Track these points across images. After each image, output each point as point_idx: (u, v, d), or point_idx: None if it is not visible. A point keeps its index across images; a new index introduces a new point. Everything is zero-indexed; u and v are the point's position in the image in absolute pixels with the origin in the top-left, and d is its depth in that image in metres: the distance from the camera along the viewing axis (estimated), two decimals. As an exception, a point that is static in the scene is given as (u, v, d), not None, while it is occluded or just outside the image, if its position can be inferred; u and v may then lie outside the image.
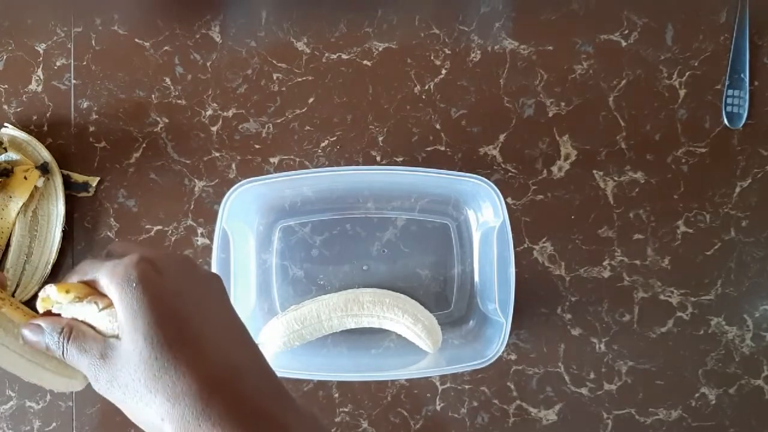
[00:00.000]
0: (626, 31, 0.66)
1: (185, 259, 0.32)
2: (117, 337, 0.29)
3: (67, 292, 0.31)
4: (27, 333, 0.32)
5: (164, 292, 0.29)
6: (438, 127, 0.66)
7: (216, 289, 0.32)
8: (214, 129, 0.66)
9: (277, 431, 0.28)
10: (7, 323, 0.33)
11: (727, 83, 0.66)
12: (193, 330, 0.29)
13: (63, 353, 0.30)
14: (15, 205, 0.62)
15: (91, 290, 0.32)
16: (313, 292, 0.65)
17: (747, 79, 0.66)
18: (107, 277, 0.30)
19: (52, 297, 0.31)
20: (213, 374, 0.28)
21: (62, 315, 0.32)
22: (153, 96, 0.67)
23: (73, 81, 0.67)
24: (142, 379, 0.28)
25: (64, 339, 0.30)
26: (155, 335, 0.28)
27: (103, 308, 0.31)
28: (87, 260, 0.32)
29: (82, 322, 0.31)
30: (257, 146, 0.66)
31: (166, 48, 0.67)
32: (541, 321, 0.66)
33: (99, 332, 0.30)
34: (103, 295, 0.31)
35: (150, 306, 0.28)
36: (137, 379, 0.28)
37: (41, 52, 0.67)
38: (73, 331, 0.31)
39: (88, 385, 0.32)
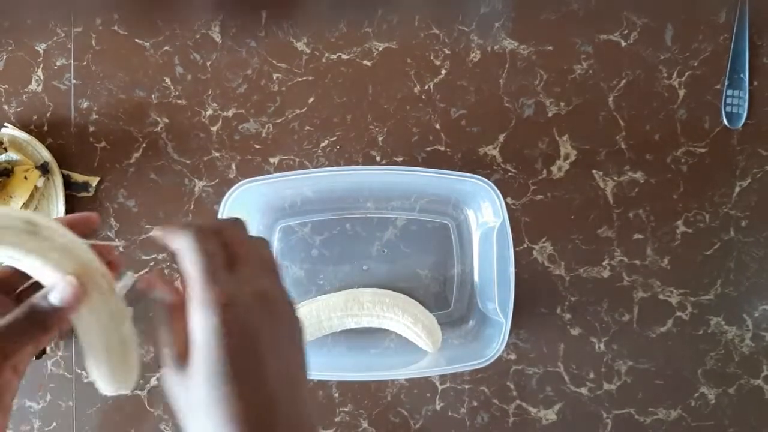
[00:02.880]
0: (626, 31, 0.66)
1: (288, 303, 0.32)
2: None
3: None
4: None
5: (249, 332, 0.29)
6: (438, 127, 0.66)
7: (292, 330, 0.32)
8: (214, 129, 0.67)
9: None
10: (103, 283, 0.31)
11: (726, 83, 0.66)
12: (256, 360, 0.29)
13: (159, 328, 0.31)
14: (15, 204, 0.62)
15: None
16: (313, 292, 0.65)
17: (746, 79, 0.66)
18: (203, 300, 0.29)
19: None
20: (272, 411, 0.29)
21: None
22: (153, 96, 0.67)
23: (73, 81, 0.67)
24: (204, 398, 0.28)
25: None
26: (225, 366, 0.28)
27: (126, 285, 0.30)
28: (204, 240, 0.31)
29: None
30: (257, 146, 0.66)
31: (166, 48, 0.67)
32: (540, 321, 0.66)
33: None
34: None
35: (227, 339, 0.28)
36: (202, 395, 0.29)
37: (41, 52, 0.67)
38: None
39: (89, 385, 0.32)
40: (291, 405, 0.30)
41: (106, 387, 0.32)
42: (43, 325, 0.30)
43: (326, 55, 0.67)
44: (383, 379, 0.65)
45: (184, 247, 0.30)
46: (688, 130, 0.66)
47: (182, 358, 0.29)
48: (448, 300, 0.66)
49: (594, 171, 0.66)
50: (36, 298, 0.30)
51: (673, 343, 0.65)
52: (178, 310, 0.31)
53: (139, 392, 0.65)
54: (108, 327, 0.31)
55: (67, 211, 0.65)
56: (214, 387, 0.28)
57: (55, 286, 0.30)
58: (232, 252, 0.31)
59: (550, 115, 0.66)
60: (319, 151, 0.66)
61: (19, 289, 0.35)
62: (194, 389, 0.29)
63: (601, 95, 0.66)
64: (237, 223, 0.33)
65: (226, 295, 0.29)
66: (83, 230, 0.32)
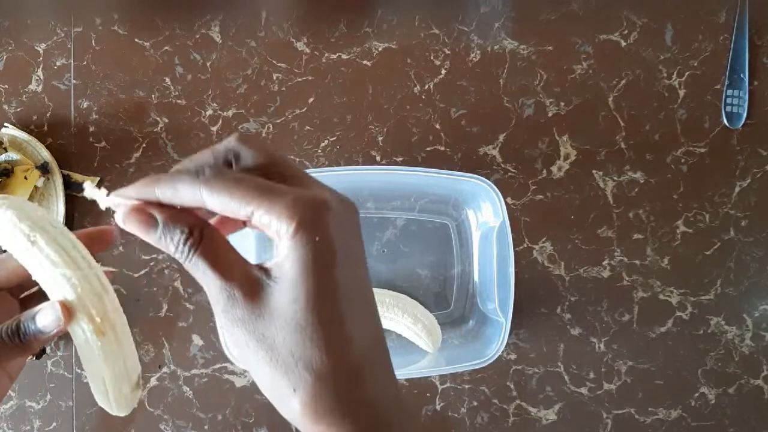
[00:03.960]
0: (626, 31, 0.66)
1: (357, 218, 0.27)
2: (268, 274, 0.25)
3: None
4: (133, 221, 0.26)
5: (338, 262, 0.25)
6: (438, 127, 0.66)
7: (364, 256, 0.28)
8: (214, 129, 0.67)
9: None
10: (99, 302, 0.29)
11: (726, 83, 0.66)
12: (350, 310, 0.26)
13: (187, 260, 0.25)
14: (15, 205, 0.62)
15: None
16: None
17: (746, 79, 0.66)
18: (283, 213, 0.24)
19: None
20: (355, 362, 0.25)
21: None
22: (153, 96, 0.67)
23: (73, 81, 0.67)
24: (288, 340, 0.25)
25: (191, 245, 0.25)
26: (318, 303, 0.24)
27: None
28: (217, 175, 0.25)
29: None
30: (257, 146, 0.66)
31: (166, 48, 0.67)
32: (540, 321, 0.66)
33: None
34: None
35: (323, 270, 0.24)
36: (281, 337, 0.25)
37: (41, 52, 0.67)
38: (206, 236, 0.25)
39: (89, 385, 0.32)
40: (378, 350, 0.27)
41: (107, 405, 0.31)
42: (28, 345, 0.30)
43: (326, 55, 0.67)
44: (383, 379, 0.65)
45: (246, 188, 0.25)
46: (688, 129, 0.66)
47: (253, 291, 0.25)
48: (448, 300, 0.66)
49: (594, 171, 0.66)
50: (23, 316, 0.30)
51: (673, 343, 0.65)
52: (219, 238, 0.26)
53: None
54: (107, 350, 0.30)
55: (67, 211, 0.65)
56: (307, 324, 0.24)
57: (42, 309, 0.29)
58: (269, 167, 0.27)
59: (550, 115, 0.66)
60: (319, 151, 0.66)
61: (23, 295, 0.35)
62: (279, 324, 0.25)
63: (601, 95, 0.66)
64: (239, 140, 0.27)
65: (324, 217, 0.24)
66: (100, 247, 0.32)
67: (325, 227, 0.24)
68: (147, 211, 0.26)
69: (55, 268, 0.28)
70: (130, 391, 0.31)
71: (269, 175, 0.26)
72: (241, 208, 0.24)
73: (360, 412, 0.26)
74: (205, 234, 0.26)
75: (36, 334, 0.29)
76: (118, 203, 0.27)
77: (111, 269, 0.32)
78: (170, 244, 0.26)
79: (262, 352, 0.25)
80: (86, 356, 0.30)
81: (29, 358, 0.63)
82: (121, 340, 0.30)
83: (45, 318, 0.29)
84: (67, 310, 0.29)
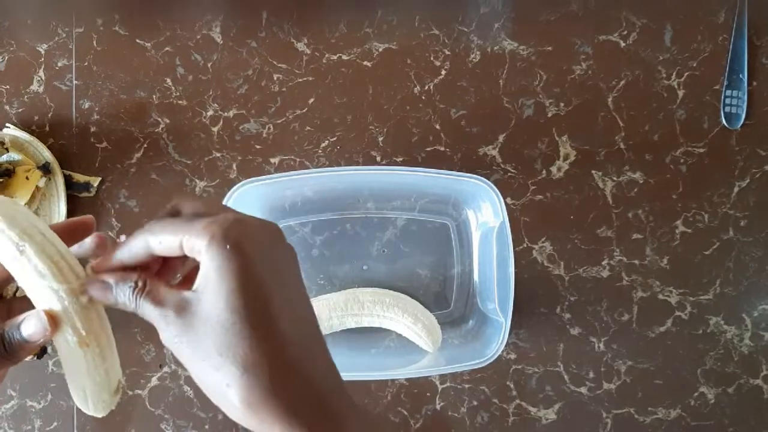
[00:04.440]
0: (625, 32, 0.67)
1: (276, 230, 0.31)
2: (194, 291, 0.28)
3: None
4: (94, 290, 0.30)
5: (253, 261, 0.28)
6: (438, 127, 0.66)
7: (294, 263, 0.31)
8: (214, 129, 0.67)
9: (338, 429, 0.28)
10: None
11: (725, 84, 0.66)
12: (274, 305, 0.28)
13: (136, 306, 0.29)
14: (16, 205, 0.63)
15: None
16: (313, 292, 0.65)
17: (745, 80, 0.66)
18: (199, 234, 0.28)
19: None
20: (286, 354, 0.28)
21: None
22: (154, 96, 0.67)
23: (75, 81, 0.67)
24: (216, 341, 0.27)
25: (137, 292, 0.29)
26: (238, 301, 0.27)
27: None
28: (158, 221, 0.30)
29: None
30: (258, 146, 0.67)
31: (167, 48, 0.67)
32: (540, 320, 0.66)
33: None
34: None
35: (239, 272, 0.27)
36: (210, 340, 0.27)
37: (43, 52, 0.67)
38: (147, 284, 0.30)
39: None
40: (314, 343, 0.30)
41: (85, 408, 0.31)
42: (12, 354, 0.29)
43: (326, 55, 0.67)
44: (383, 379, 0.65)
45: (168, 228, 0.29)
46: (687, 130, 0.66)
47: (182, 308, 0.28)
48: (448, 300, 0.66)
49: (593, 171, 0.66)
50: (8, 325, 0.29)
51: (672, 342, 0.66)
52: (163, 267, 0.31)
53: (139, 392, 0.65)
54: (89, 361, 0.30)
55: (69, 212, 0.65)
56: (230, 322, 0.27)
57: (27, 318, 0.29)
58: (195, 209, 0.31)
59: (549, 115, 0.66)
60: (320, 151, 0.67)
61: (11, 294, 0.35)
62: (207, 329, 0.27)
63: (601, 95, 0.66)
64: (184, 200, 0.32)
65: (231, 230, 0.28)
66: (82, 235, 0.32)
67: (238, 236, 0.28)
68: (101, 279, 0.30)
69: (43, 280, 0.28)
70: (110, 397, 0.31)
71: (203, 216, 0.30)
72: (175, 240, 0.29)
73: (301, 403, 0.27)
74: (147, 282, 0.30)
75: (21, 343, 0.29)
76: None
77: None
78: (123, 297, 0.30)
79: (198, 360, 0.28)
80: (68, 364, 0.30)
81: (32, 358, 0.63)
82: (105, 351, 0.30)
83: (30, 327, 0.29)
84: (53, 320, 0.29)
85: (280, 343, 0.28)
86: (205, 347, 0.27)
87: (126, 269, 0.31)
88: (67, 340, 0.29)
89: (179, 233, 0.29)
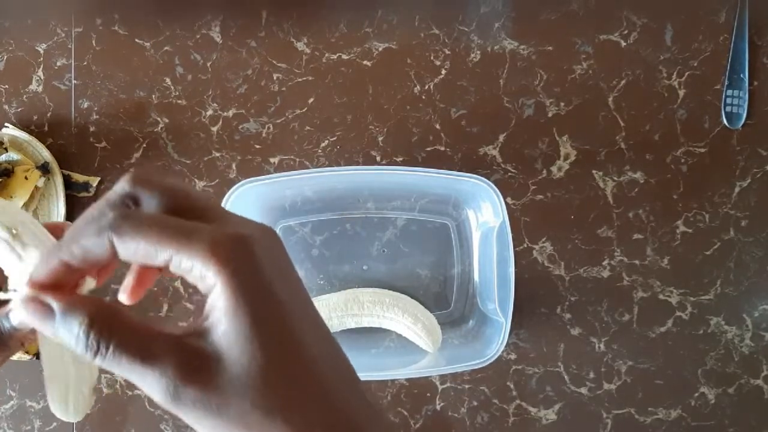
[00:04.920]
0: (626, 32, 0.67)
1: (275, 237, 0.25)
2: (204, 334, 0.21)
3: None
4: (28, 308, 0.23)
5: (275, 288, 0.22)
6: (438, 127, 0.66)
7: (300, 280, 0.25)
8: (214, 129, 0.67)
9: None
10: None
11: (726, 83, 0.66)
12: (302, 353, 0.22)
13: (100, 356, 0.21)
14: (16, 205, 0.63)
15: None
16: (313, 292, 0.65)
17: (746, 79, 0.66)
18: (202, 257, 0.21)
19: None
20: (329, 397, 0.23)
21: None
22: (153, 96, 0.67)
23: (74, 81, 0.67)
24: (248, 410, 0.21)
25: (95, 332, 0.21)
26: (269, 357, 0.21)
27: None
28: (122, 217, 0.22)
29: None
30: (257, 146, 0.66)
31: (166, 48, 0.67)
32: (540, 321, 0.66)
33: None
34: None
35: (266, 314, 0.21)
36: (248, 403, 0.21)
37: (42, 52, 0.67)
38: (116, 322, 0.22)
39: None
40: (346, 391, 0.24)
41: (55, 411, 0.31)
42: (5, 343, 0.27)
43: (326, 55, 0.67)
44: (383, 378, 0.65)
45: (157, 232, 0.22)
46: (688, 130, 0.66)
47: (196, 373, 0.21)
48: (448, 300, 0.66)
49: (594, 171, 0.66)
50: None
51: (673, 343, 0.66)
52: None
53: (139, 392, 0.65)
54: (59, 357, 0.28)
55: (68, 212, 0.65)
56: (264, 386, 0.21)
57: (15, 307, 0.26)
58: (175, 204, 0.24)
59: (550, 115, 0.66)
60: (320, 151, 0.66)
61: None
62: (238, 395, 0.21)
63: (601, 95, 0.66)
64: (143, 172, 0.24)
65: (253, 255, 0.21)
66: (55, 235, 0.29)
67: (254, 260, 0.22)
68: (41, 299, 0.23)
69: (24, 264, 0.27)
70: (89, 393, 0.31)
71: (180, 213, 0.23)
72: (159, 254, 0.21)
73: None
74: (115, 319, 0.22)
75: (11, 332, 0.26)
76: (10, 297, 0.24)
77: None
78: (70, 336, 0.22)
79: (235, 427, 0.21)
80: (52, 354, 0.28)
81: (31, 357, 0.63)
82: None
83: (18, 315, 0.26)
84: None
85: (320, 386, 0.22)
86: (239, 409, 0.21)
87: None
88: None
89: (171, 247, 0.21)
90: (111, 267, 0.26)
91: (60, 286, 0.24)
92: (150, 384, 0.21)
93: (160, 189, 0.23)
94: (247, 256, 0.22)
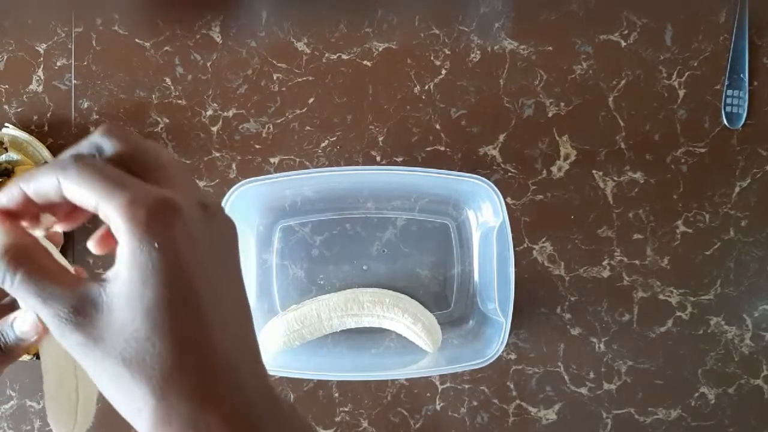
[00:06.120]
0: (626, 32, 0.67)
1: (224, 227, 0.25)
2: (104, 287, 0.23)
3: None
4: (24, 322, 0.26)
5: (187, 263, 0.22)
6: (438, 127, 0.66)
7: (234, 250, 0.26)
8: (214, 129, 0.67)
9: None
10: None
11: (726, 83, 0.66)
12: (203, 316, 0.23)
13: (2, 282, 0.23)
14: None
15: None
16: (313, 292, 0.65)
17: (746, 79, 0.66)
18: (119, 211, 0.22)
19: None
20: (212, 379, 0.23)
21: None
22: (153, 96, 0.67)
23: (74, 81, 0.67)
24: (128, 359, 0.22)
25: (8, 259, 0.23)
26: (160, 317, 0.22)
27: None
28: (75, 162, 0.23)
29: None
30: (257, 146, 0.66)
31: (166, 48, 0.67)
32: (540, 321, 0.66)
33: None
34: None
35: (167, 278, 0.22)
36: (119, 357, 0.22)
37: (42, 52, 0.67)
38: (25, 259, 0.23)
39: None
40: (246, 359, 0.24)
41: (53, 424, 0.30)
42: (9, 353, 0.28)
43: (326, 55, 0.67)
44: (383, 378, 0.65)
45: (86, 179, 0.23)
46: (688, 130, 0.66)
47: (83, 310, 0.22)
48: (448, 300, 0.66)
49: (594, 171, 0.66)
50: (1, 324, 0.28)
51: (673, 343, 0.66)
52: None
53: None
54: (65, 367, 0.28)
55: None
56: (148, 341, 0.22)
57: (19, 316, 0.27)
58: (132, 160, 0.24)
59: (550, 115, 0.66)
60: (320, 151, 0.66)
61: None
62: (117, 343, 0.22)
63: (601, 95, 0.66)
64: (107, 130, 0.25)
65: (169, 220, 0.22)
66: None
67: (169, 231, 0.22)
68: None
69: None
70: (95, 403, 0.30)
71: (131, 167, 0.24)
72: (90, 197, 0.23)
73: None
74: (24, 254, 0.24)
75: (16, 342, 0.28)
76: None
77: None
78: None
79: (104, 375, 0.23)
80: (58, 364, 0.29)
81: (31, 358, 0.63)
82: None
83: (23, 325, 0.27)
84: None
85: (205, 367, 0.23)
86: (113, 362, 0.22)
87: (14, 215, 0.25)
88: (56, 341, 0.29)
89: (97, 193, 0.23)
90: (77, 214, 0.27)
91: (20, 215, 0.25)
92: (45, 320, 0.23)
93: (124, 142, 0.25)
94: (161, 220, 0.22)
